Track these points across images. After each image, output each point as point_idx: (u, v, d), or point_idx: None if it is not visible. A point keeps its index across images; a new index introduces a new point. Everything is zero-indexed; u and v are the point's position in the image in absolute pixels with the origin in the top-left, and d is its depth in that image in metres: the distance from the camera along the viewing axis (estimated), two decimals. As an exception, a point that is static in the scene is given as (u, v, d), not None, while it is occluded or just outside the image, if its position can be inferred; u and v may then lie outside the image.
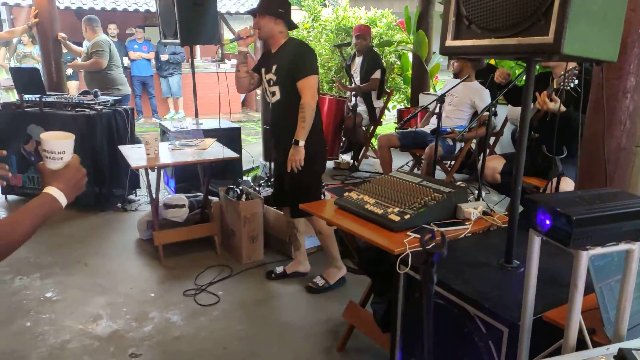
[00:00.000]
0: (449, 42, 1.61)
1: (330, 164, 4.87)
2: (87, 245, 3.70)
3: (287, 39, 2.83)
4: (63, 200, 1.18)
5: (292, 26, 2.85)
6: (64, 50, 5.53)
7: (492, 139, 4.27)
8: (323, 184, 3.71)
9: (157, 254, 3.45)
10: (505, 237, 1.68)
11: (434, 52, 5.83)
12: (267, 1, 2.78)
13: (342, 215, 2.14)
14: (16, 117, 4.45)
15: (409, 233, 1.87)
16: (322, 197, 3.26)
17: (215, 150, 3.55)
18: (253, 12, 2.82)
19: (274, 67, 2.81)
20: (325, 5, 9.81)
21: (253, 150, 5.65)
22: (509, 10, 1.40)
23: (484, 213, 2.06)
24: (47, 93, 4.61)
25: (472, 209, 2.01)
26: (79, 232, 3.95)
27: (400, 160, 4.81)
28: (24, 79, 4.58)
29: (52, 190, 1.17)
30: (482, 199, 2.22)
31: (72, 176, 1.21)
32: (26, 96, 4.53)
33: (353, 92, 4.79)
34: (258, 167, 5.65)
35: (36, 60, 8.77)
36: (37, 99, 4.42)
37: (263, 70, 2.91)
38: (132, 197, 4.74)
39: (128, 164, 3.31)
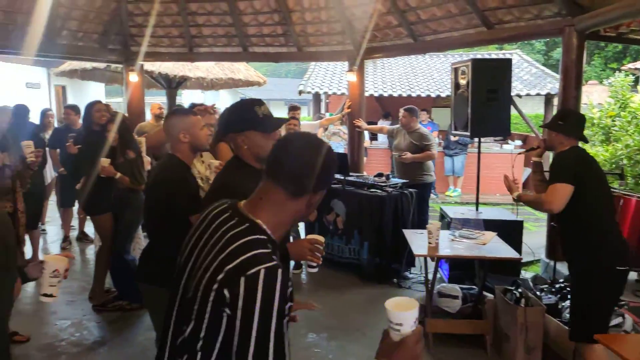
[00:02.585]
0: None
1: (632, 276, 4.12)
2: (367, 316, 4.07)
3: (568, 148, 2.75)
4: None
5: (579, 138, 2.83)
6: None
7: None
8: (622, 303, 3.17)
9: (427, 340, 3.53)
10: None
11: None
12: (554, 115, 2.93)
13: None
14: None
15: None
16: (612, 322, 2.83)
17: (495, 247, 3.47)
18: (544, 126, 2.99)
19: None
20: (636, 91, 8.64)
21: (533, 241, 5.26)
22: None
23: None
24: (350, 173, 5.42)
25: None
26: (360, 301, 4.38)
27: None
28: (334, 160, 5.53)
29: None
30: None
31: (403, 355, 1.10)
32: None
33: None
34: (538, 260, 5.22)
35: (342, 138, 10.47)
36: (342, 178, 5.24)
37: None
38: (407, 273, 5.02)
39: (407, 242, 3.56)
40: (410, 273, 5.07)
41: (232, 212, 1.28)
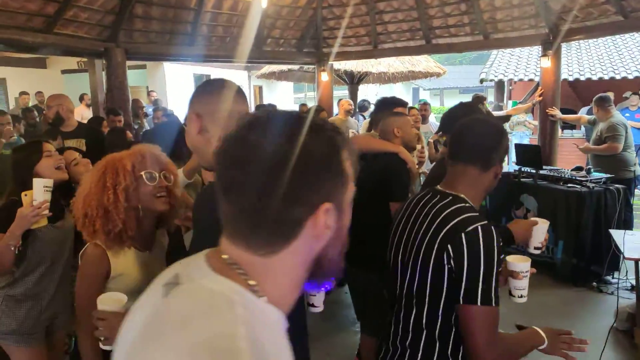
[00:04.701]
0: None
1: None
2: (561, 319, 3.84)
3: None
4: (544, 342, 1.42)
5: None
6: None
7: None
8: None
9: (635, 352, 3.21)
10: None
11: None
12: None
13: None
14: (513, 185, 5.14)
15: None
16: None
17: None
18: None
19: None
20: None
21: None
22: None
23: None
24: (543, 167, 5.10)
25: None
26: (553, 303, 4.14)
27: None
28: (525, 153, 5.27)
29: (539, 329, 1.46)
30: None
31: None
32: (523, 168, 5.17)
33: None
34: None
35: (527, 127, 9.77)
36: (533, 172, 4.97)
37: None
38: (608, 278, 4.56)
39: (610, 242, 3.28)
40: (613, 277, 4.59)
41: (433, 193, 1.49)
